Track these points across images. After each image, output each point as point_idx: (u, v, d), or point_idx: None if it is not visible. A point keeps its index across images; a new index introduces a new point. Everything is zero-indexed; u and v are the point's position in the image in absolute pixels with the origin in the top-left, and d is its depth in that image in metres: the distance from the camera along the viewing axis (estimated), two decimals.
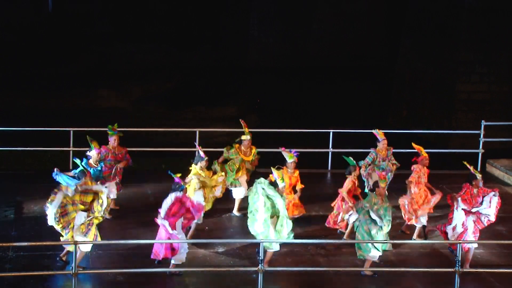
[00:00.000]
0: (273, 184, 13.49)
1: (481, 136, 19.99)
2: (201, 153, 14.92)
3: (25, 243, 13.95)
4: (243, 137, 15.87)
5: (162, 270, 13.56)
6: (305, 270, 13.74)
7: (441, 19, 25.24)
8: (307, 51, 35.85)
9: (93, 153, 15.09)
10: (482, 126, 19.91)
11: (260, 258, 12.48)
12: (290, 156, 14.87)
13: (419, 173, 14.83)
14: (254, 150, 15.95)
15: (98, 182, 13.86)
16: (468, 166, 14.15)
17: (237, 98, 30.22)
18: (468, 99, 24.43)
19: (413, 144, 15.45)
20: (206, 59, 36.55)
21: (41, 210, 15.41)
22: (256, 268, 12.61)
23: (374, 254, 13.25)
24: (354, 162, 14.83)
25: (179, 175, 13.61)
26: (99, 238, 13.32)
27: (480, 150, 19.96)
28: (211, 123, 25.59)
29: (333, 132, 18.60)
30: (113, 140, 15.59)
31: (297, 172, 14.91)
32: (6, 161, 20.20)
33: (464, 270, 13.38)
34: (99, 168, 15.18)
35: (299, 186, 14.92)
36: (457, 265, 12.77)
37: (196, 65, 35.34)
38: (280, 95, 31.28)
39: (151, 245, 14.28)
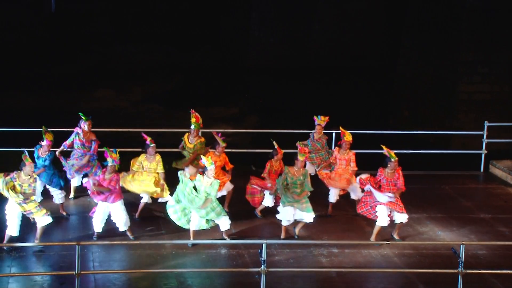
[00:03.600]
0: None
1: (484, 137, 19.94)
2: (148, 141, 15.87)
3: (25, 243, 13.93)
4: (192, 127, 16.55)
5: (162, 271, 13.53)
6: (308, 270, 13.71)
7: (441, 19, 25.18)
8: (307, 51, 35.77)
9: (44, 143, 15.63)
10: (485, 127, 19.86)
11: (263, 259, 12.44)
12: (223, 141, 15.89)
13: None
14: (200, 140, 16.48)
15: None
16: (384, 148, 14.88)
17: (238, 98, 30.16)
18: (469, 99, 24.39)
19: (340, 128, 16.32)
20: (206, 59, 36.45)
21: None
22: (258, 269, 12.58)
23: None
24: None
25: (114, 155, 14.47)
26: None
27: (483, 151, 19.92)
28: (211, 123, 25.52)
29: (335, 132, 18.55)
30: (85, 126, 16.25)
31: (224, 155, 15.93)
32: (6, 161, 20.11)
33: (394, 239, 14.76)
34: (46, 159, 15.65)
35: (229, 167, 16.00)
36: (460, 266, 12.74)
37: (196, 65, 35.25)
38: (280, 95, 31.21)
39: (151, 246, 14.25)
